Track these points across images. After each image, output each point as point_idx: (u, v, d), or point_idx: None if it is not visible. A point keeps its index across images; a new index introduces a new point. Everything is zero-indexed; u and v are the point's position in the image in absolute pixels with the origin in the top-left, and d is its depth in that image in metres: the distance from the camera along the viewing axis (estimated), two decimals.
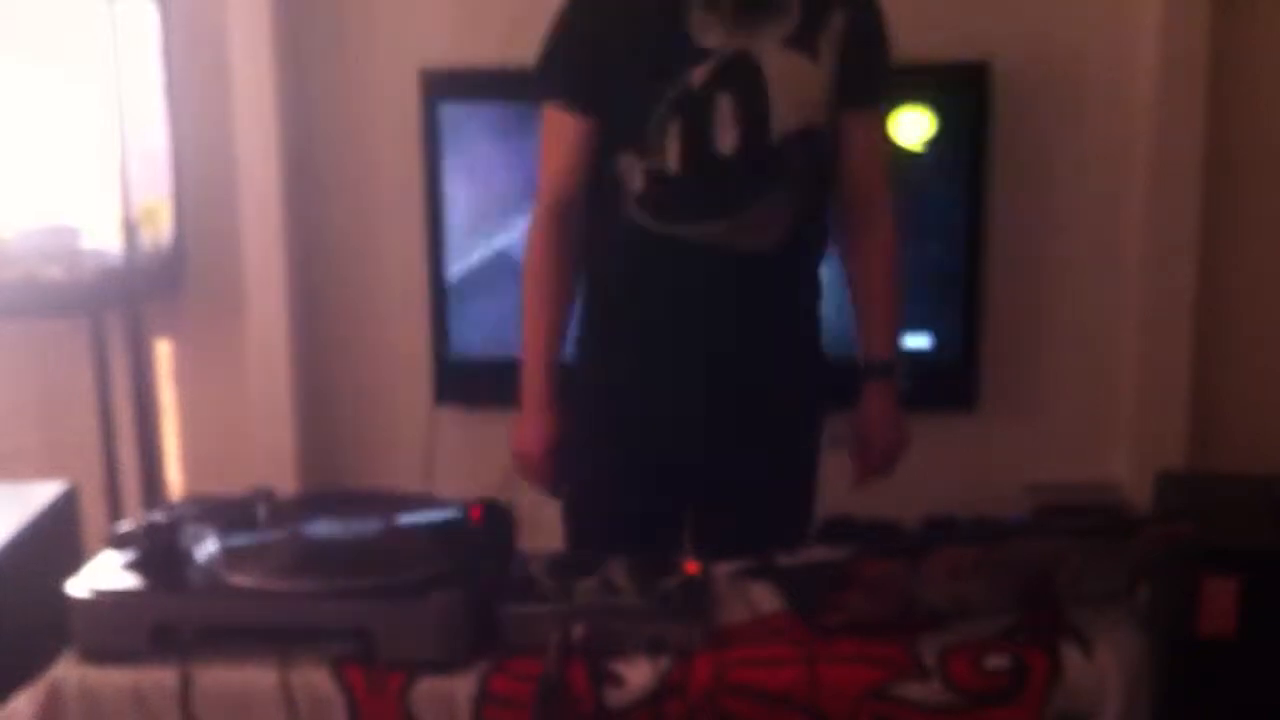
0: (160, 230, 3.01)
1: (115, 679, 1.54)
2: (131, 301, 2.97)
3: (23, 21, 2.79)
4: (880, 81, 2.10)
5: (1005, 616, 1.61)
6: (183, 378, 3.29)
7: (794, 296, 2.11)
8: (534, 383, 2.09)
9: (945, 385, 3.09)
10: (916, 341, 3.06)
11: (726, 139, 1.96)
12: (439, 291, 3.11)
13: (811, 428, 2.17)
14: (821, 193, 2.07)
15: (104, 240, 2.88)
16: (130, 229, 2.86)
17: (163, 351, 3.26)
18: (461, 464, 3.23)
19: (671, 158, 1.96)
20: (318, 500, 1.88)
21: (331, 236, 3.22)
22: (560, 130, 2.03)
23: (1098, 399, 3.18)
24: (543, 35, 2.05)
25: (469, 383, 3.15)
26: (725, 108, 1.95)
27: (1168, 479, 2.77)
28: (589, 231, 2.08)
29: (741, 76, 1.95)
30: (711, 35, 1.95)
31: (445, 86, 3.03)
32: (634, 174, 1.99)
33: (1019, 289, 3.13)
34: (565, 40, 2.03)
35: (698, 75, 1.94)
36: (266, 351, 3.18)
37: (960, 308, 3.04)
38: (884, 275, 2.13)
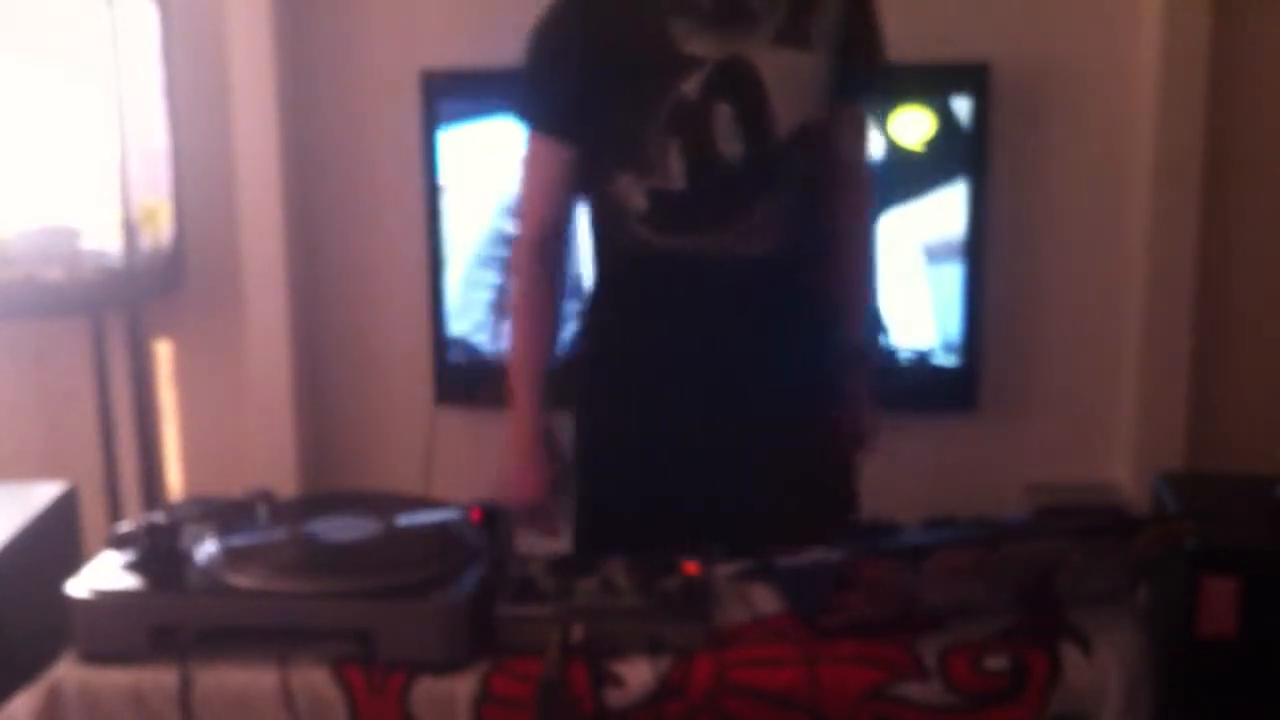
0: (160, 231, 3.01)
1: (115, 679, 1.54)
2: (131, 302, 2.97)
3: (23, 21, 2.79)
4: (875, 72, 2.05)
5: (1005, 616, 1.61)
6: (183, 378, 3.29)
7: (805, 295, 2.06)
8: (526, 427, 2.04)
9: (945, 386, 3.10)
10: (917, 342, 3.06)
11: (730, 148, 1.91)
12: (439, 291, 3.11)
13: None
14: (819, 186, 2.04)
15: (104, 241, 2.88)
16: (130, 230, 2.86)
17: (163, 351, 3.27)
18: (461, 464, 3.22)
19: (675, 174, 1.92)
20: (318, 501, 1.87)
21: (331, 237, 3.23)
22: (540, 159, 1.99)
23: (1098, 399, 3.18)
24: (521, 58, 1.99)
25: (469, 383, 3.15)
26: (724, 116, 1.90)
27: (1167, 479, 2.77)
28: (594, 251, 2.05)
29: (737, 82, 1.90)
30: (698, 43, 1.89)
31: (445, 86, 3.04)
32: (635, 194, 1.95)
33: (1019, 289, 3.13)
34: (541, 66, 1.97)
35: (690, 86, 1.89)
36: (266, 352, 3.19)
37: (960, 308, 3.04)
38: (859, 258, 2.13)
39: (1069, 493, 3.09)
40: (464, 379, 3.15)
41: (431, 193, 3.07)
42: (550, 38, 1.96)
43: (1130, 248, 3.10)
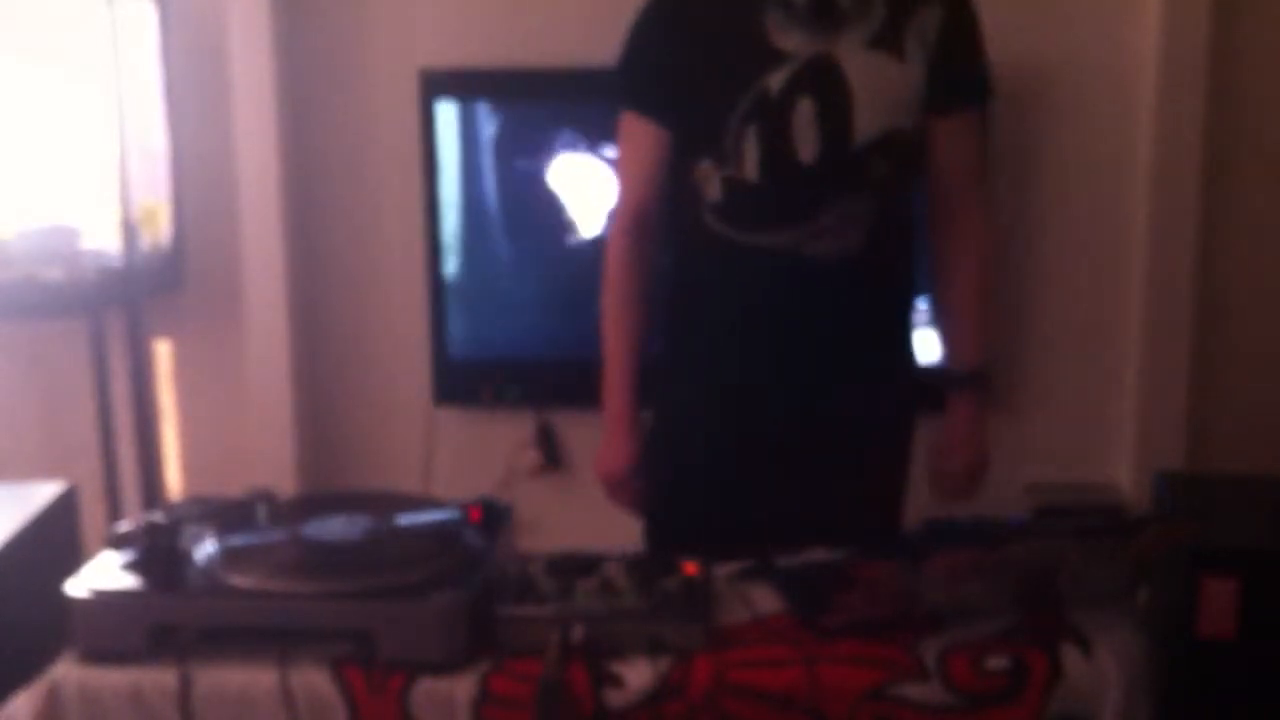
0: (160, 231, 3.01)
1: (115, 679, 1.54)
2: (131, 302, 2.97)
3: (23, 21, 2.79)
4: (975, 83, 2.04)
5: (1005, 617, 1.61)
6: (182, 378, 3.29)
7: (876, 300, 2.05)
8: (615, 401, 2.07)
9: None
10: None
11: (806, 147, 1.91)
12: (438, 291, 3.11)
13: (896, 433, 2.14)
14: (905, 194, 2.03)
15: (104, 241, 2.88)
16: (130, 230, 2.86)
17: (163, 352, 3.26)
18: (461, 464, 3.23)
19: (749, 166, 1.92)
20: (317, 501, 1.87)
21: (331, 237, 3.22)
22: (637, 139, 2.01)
23: (1098, 399, 3.18)
24: (622, 42, 2.02)
25: (468, 383, 3.15)
26: (805, 114, 1.90)
27: (1167, 479, 2.77)
28: (669, 238, 2.06)
29: (822, 81, 1.90)
30: (790, 38, 1.90)
31: (445, 86, 3.04)
32: (711, 182, 1.96)
33: (1018, 289, 3.13)
34: (641, 48, 2.00)
35: (775, 80, 1.89)
36: (266, 352, 3.19)
37: None
38: (973, 281, 2.07)
39: (1069, 493, 3.08)
40: (464, 379, 3.15)
41: (431, 192, 3.07)
42: (651, 22, 1.99)
43: (1130, 248, 3.09)
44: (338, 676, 1.53)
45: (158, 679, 1.53)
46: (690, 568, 1.63)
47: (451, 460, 3.22)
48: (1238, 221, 3.08)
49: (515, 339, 3.14)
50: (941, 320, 2.12)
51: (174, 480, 3.31)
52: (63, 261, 2.85)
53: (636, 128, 2.01)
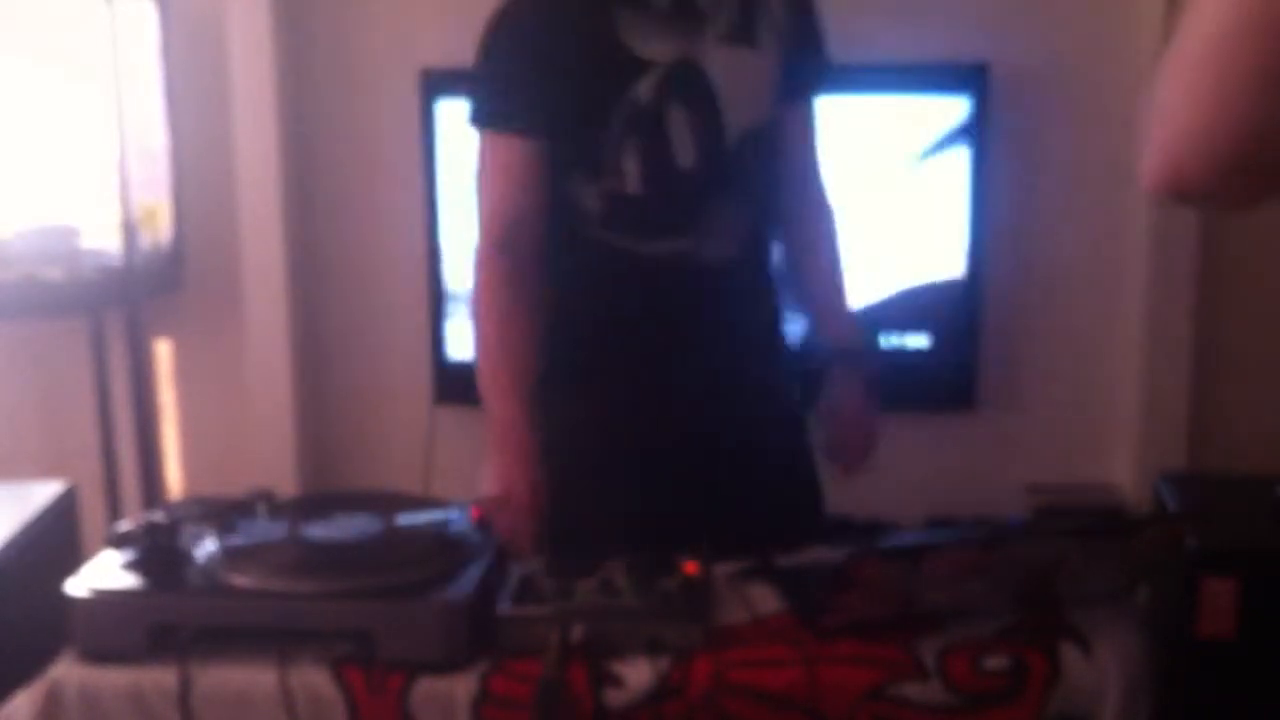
0: (160, 231, 3.01)
1: (114, 679, 1.54)
2: (131, 302, 2.97)
3: (23, 21, 2.79)
4: (822, 69, 2.05)
5: (1005, 617, 1.61)
6: (183, 378, 3.29)
7: (763, 298, 2.07)
8: (514, 433, 1.92)
9: (944, 385, 3.09)
10: (916, 341, 3.06)
11: (685, 153, 1.89)
12: (438, 292, 3.11)
13: (793, 428, 2.13)
14: (771, 189, 2.04)
15: (104, 241, 2.88)
16: (130, 229, 2.86)
17: (163, 351, 3.27)
18: (461, 464, 3.22)
19: (631, 178, 1.89)
20: (317, 501, 1.87)
21: (331, 237, 3.22)
22: (504, 157, 1.92)
23: (1098, 399, 3.18)
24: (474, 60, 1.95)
25: (468, 383, 3.14)
26: (679, 120, 1.88)
27: (1168, 480, 2.77)
28: (547, 257, 1.99)
29: (689, 85, 1.88)
30: (649, 45, 1.87)
31: (445, 86, 3.03)
32: (588, 195, 1.92)
33: (1018, 289, 3.13)
34: (498, 63, 1.93)
35: (644, 89, 1.87)
36: (266, 352, 3.19)
37: (959, 307, 3.04)
38: (832, 261, 2.11)
39: (1069, 493, 3.08)
40: (463, 379, 3.14)
41: (431, 192, 3.07)
42: (506, 36, 1.93)
43: (1130, 247, 3.09)
44: (338, 676, 1.53)
45: (158, 679, 1.53)
46: (690, 567, 1.63)
47: (451, 460, 3.21)
48: (1238, 221, 3.08)
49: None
50: (809, 306, 2.13)
51: (174, 480, 3.31)
52: (63, 261, 2.85)
53: (503, 146, 1.92)
